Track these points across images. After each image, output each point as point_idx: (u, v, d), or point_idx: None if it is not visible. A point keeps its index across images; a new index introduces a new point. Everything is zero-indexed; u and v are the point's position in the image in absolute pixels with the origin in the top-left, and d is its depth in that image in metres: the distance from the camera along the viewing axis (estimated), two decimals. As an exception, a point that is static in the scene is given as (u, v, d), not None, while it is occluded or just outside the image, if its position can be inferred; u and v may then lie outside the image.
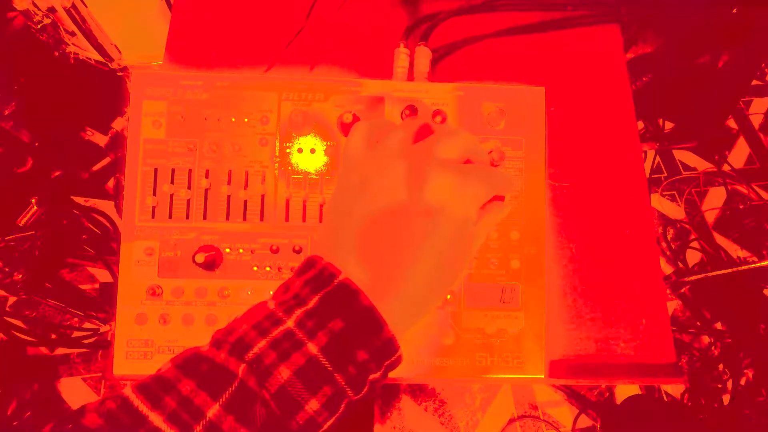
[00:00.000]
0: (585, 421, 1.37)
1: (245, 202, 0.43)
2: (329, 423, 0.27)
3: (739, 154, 1.71)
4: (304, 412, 0.26)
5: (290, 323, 0.27)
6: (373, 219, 0.29)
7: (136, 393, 0.25)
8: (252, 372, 0.26)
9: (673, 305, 1.50)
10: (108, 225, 1.38)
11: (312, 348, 0.26)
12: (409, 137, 0.33)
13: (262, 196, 0.43)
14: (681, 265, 1.55)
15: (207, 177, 0.43)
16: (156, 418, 0.24)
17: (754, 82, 1.80)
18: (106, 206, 1.43)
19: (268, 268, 0.43)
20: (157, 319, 0.42)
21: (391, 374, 0.42)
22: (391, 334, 0.28)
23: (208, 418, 0.24)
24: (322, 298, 0.27)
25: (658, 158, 1.68)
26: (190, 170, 0.43)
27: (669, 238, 1.59)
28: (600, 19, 0.58)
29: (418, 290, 0.30)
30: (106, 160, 1.43)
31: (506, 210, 0.35)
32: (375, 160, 0.32)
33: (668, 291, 1.48)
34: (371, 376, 0.28)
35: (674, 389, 1.41)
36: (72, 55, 1.14)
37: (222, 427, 0.24)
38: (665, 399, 1.40)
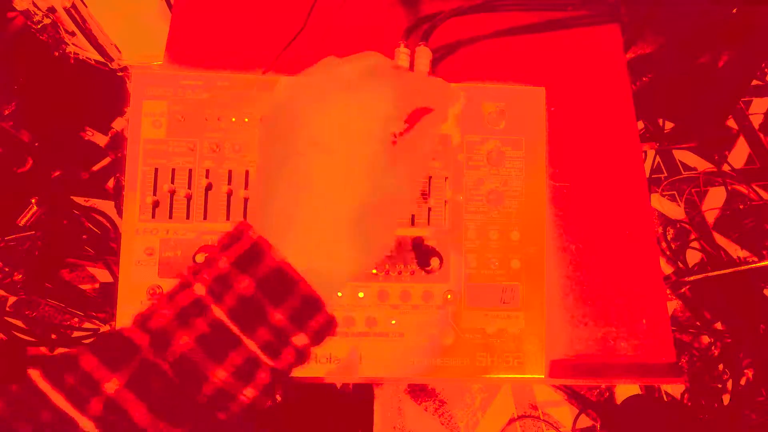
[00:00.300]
0: (585, 421, 1.37)
1: (245, 201, 0.43)
2: (250, 394, 0.25)
3: (739, 154, 1.71)
4: (210, 382, 0.24)
5: (198, 287, 0.25)
6: (296, 181, 0.28)
7: (41, 372, 0.24)
8: (152, 344, 0.24)
9: (673, 305, 1.50)
10: (108, 225, 1.38)
11: (217, 312, 0.25)
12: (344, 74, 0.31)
13: (263, 196, 0.43)
14: (681, 265, 1.55)
15: (207, 177, 0.43)
16: (56, 397, 0.23)
17: (754, 82, 1.80)
18: (106, 206, 1.43)
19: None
20: (158, 319, 0.42)
21: (391, 374, 0.42)
22: (308, 291, 0.25)
23: (106, 393, 0.23)
24: (231, 260, 0.25)
25: (658, 158, 1.68)
26: (190, 170, 0.43)
27: (669, 238, 1.59)
28: (600, 19, 0.58)
29: (349, 248, 0.28)
30: (106, 160, 1.43)
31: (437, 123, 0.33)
32: (296, 102, 0.30)
33: (668, 291, 1.48)
34: (296, 341, 0.26)
35: (674, 389, 1.41)
36: (72, 55, 1.14)
37: (119, 402, 0.23)
38: (665, 399, 1.40)
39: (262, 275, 0.25)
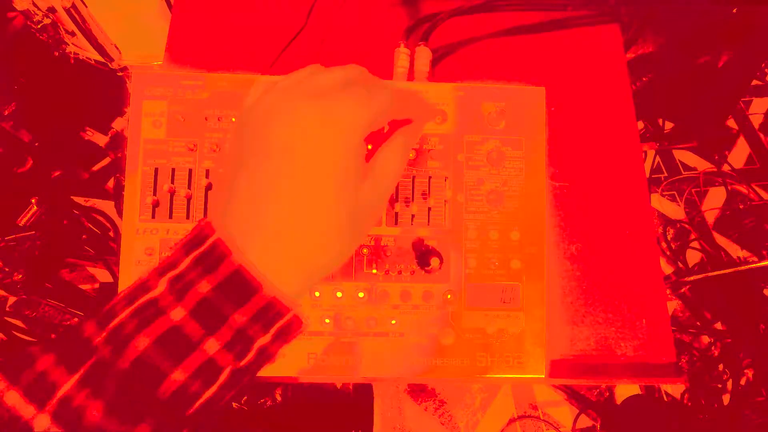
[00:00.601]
0: (585, 421, 1.37)
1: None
2: (211, 393, 0.26)
3: (739, 154, 1.71)
4: (170, 381, 0.24)
5: (159, 288, 0.25)
6: (265, 180, 0.28)
7: None
8: (109, 342, 0.24)
9: (673, 305, 1.50)
10: (108, 225, 1.38)
11: (177, 313, 0.25)
12: (320, 82, 0.30)
13: (263, 196, 0.43)
14: (681, 265, 1.55)
15: (207, 177, 0.43)
16: (12, 396, 0.23)
17: (754, 82, 1.79)
18: (106, 206, 1.43)
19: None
20: (158, 319, 0.42)
21: (391, 374, 0.42)
22: (269, 297, 0.26)
23: (61, 393, 0.23)
24: (192, 260, 0.26)
25: (658, 158, 1.68)
26: (190, 170, 0.43)
27: (669, 238, 1.59)
28: (600, 19, 0.58)
29: (316, 251, 0.28)
30: (106, 160, 1.43)
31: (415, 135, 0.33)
32: (266, 110, 0.29)
33: (668, 291, 1.48)
34: (259, 342, 0.26)
35: (674, 389, 1.41)
36: (72, 55, 1.14)
37: (74, 402, 0.23)
38: (665, 399, 1.40)
39: (223, 277, 0.25)
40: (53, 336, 1.28)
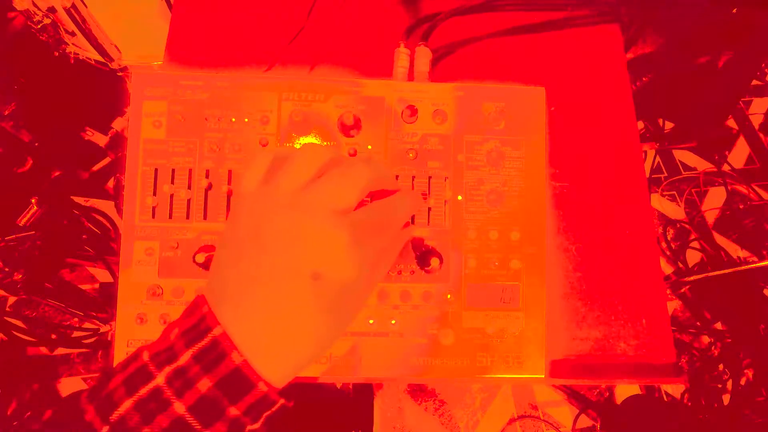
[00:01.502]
0: (585, 421, 1.37)
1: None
2: None
3: (739, 154, 1.71)
4: None
5: (159, 380, 0.26)
6: (260, 276, 0.29)
7: None
8: None
9: (673, 305, 1.50)
10: (108, 225, 1.38)
11: (179, 408, 0.26)
12: (305, 175, 0.31)
13: (263, 196, 0.43)
14: (681, 265, 1.55)
15: (207, 177, 0.43)
16: None
17: (754, 82, 1.79)
18: (106, 206, 1.43)
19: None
20: (158, 319, 0.42)
21: (391, 374, 0.42)
22: (265, 391, 0.27)
23: None
24: (193, 355, 0.27)
25: (658, 158, 1.68)
26: (190, 170, 0.43)
27: (669, 238, 1.59)
28: (600, 19, 0.58)
29: (303, 347, 0.29)
30: (106, 160, 1.44)
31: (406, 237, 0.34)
32: (265, 204, 0.31)
33: (668, 291, 1.48)
34: (250, 428, 0.28)
35: (674, 389, 1.41)
36: (72, 55, 1.14)
37: None
38: (665, 399, 1.40)
39: (223, 375, 0.26)
40: (53, 336, 1.28)
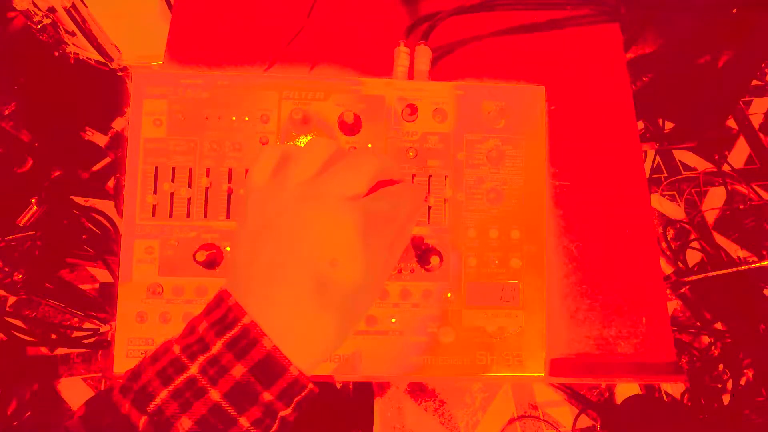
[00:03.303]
0: (585, 421, 1.37)
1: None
2: None
3: (739, 154, 1.71)
4: None
5: (193, 370, 0.27)
6: (281, 267, 0.29)
7: None
8: (152, 424, 0.26)
9: (673, 305, 1.50)
10: (108, 225, 1.38)
11: (214, 395, 0.26)
12: (313, 167, 0.32)
13: (263, 195, 0.43)
14: (681, 265, 1.55)
15: (207, 176, 0.43)
16: None
17: (754, 82, 1.80)
18: (106, 206, 1.43)
19: (268, 267, 0.43)
20: (158, 317, 0.42)
21: (391, 373, 0.42)
22: (296, 375, 0.28)
23: None
24: (225, 343, 0.27)
25: (658, 158, 1.68)
26: (190, 169, 0.43)
27: (669, 238, 1.59)
28: (600, 19, 0.58)
29: (327, 332, 0.30)
30: (106, 160, 1.44)
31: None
32: (277, 198, 0.31)
33: (668, 291, 1.48)
34: (282, 413, 0.28)
35: (674, 389, 1.41)
36: (72, 55, 1.14)
37: None
38: (665, 399, 1.40)
39: (255, 361, 0.27)
40: (53, 336, 1.28)
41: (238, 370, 0.26)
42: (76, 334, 1.30)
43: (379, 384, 1.31)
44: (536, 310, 0.44)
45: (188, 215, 0.43)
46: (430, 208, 0.44)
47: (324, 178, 0.31)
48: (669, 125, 1.53)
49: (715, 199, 1.65)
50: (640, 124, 1.53)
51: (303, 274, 0.29)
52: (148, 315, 0.42)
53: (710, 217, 1.62)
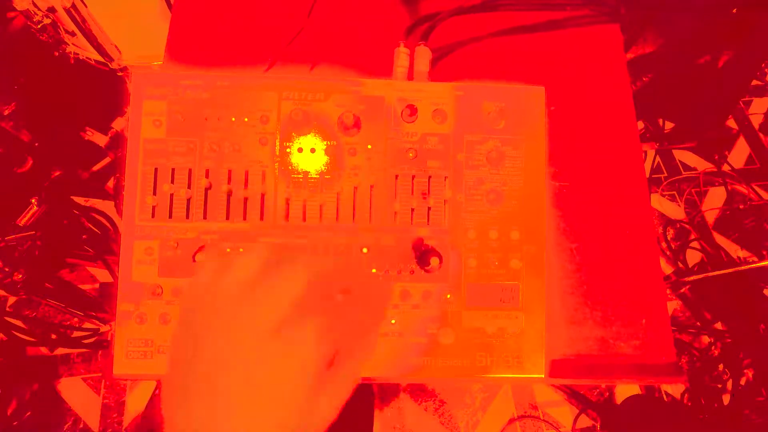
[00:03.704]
0: (585, 421, 1.37)
1: (245, 201, 0.43)
2: None
3: (739, 154, 1.71)
4: None
5: None
6: (209, 391, 0.27)
7: None
8: None
9: (673, 305, 1.50)
10: (108, 225, 1.38)
11: None
12: (247, 275, 0.29)
13: (262, 196, 0.43)
14: (681, 265, 1.55)
15: (207, 176, 0.43)
16: None
17: (754, 82, 1.79)
18: (106, 206, 1.43)
19: (268, 268, 0.43)
20: (157, 318, 0.42)
21: (391, 374, 0.42)
22: None
23: None
24: None
25: (658, 158, 1.68)
26: (190, 170, 0.43)
27: (669, 238, 1.59)
28: (600, 19, 0.58)
29: None
30: (106, 160, 1.44)
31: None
32: (206, 312, 0.29)
33: (668, 291, 1.48)
34: None
35: (674, 389, 1.41)
36: (72, 55, 1.14)
37: None
38: (665, 399, 1.40)
39: None
40: (53, 336, 1.28)
41: None
42: (76, 334, 1.30)
43: (379, 385, 1.31)
44: (536, 311, 0.44)
45: (188, 216, 0.43)
46: (429, 209, 0.44)
47: (249, 308, 0.28)
48: (669, 125, 1.53)
49: (715, 199, 1.65)
50: (640, 124, 1.53)
51: (251, 403, 0.26)
52: (147, 316, 0.42)
53: (710, 217, 1.62)
